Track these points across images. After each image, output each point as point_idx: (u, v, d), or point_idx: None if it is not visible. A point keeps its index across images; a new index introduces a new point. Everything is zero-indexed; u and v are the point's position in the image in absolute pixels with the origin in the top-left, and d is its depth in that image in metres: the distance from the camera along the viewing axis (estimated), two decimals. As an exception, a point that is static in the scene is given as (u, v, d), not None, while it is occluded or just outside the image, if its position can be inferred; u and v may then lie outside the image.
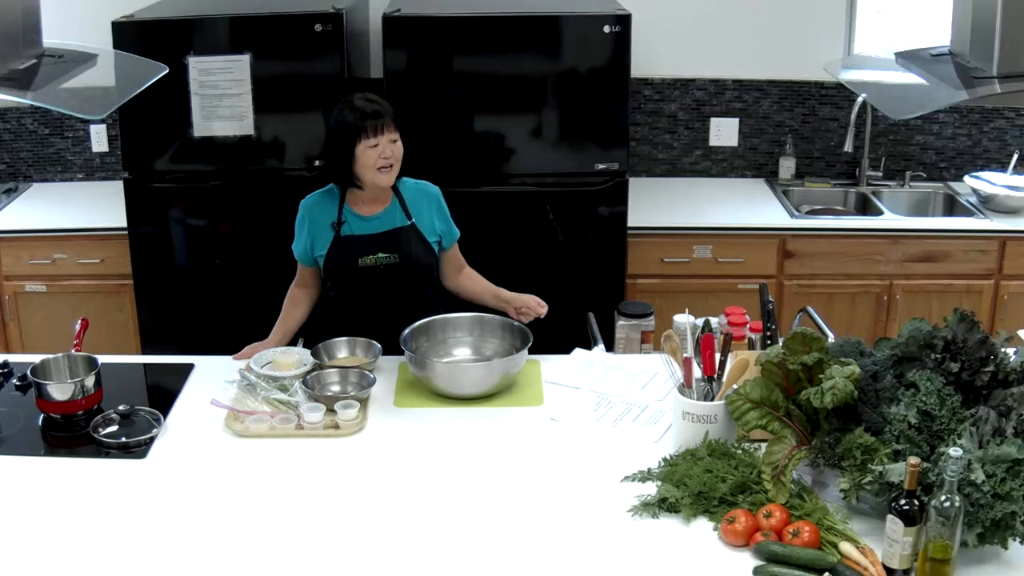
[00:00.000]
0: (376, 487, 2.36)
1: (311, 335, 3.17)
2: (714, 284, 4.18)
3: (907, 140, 4.64)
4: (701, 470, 2.27)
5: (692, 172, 4.71)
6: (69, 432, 2.63)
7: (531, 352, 2.82)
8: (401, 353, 2.81)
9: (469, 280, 3.18)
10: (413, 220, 3.01)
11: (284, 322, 3.08)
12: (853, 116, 4.38)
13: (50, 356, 2.77)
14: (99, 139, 4.60)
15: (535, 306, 3.01)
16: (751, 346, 2.89)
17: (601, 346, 3.05)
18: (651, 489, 2.30)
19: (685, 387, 2.43)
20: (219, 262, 4.01)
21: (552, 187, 3.95)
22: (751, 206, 4.36)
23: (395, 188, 3.02)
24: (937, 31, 2.80)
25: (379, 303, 3.02)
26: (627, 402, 2.72)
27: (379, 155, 2.88)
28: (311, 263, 3.06)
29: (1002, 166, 4.52)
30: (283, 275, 3.16)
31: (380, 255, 2.97)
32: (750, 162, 4.70)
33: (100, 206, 4.30)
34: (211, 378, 2.85)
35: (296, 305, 3.11)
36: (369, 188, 2.96)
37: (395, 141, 2.91)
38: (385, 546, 2.15)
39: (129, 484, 2.38)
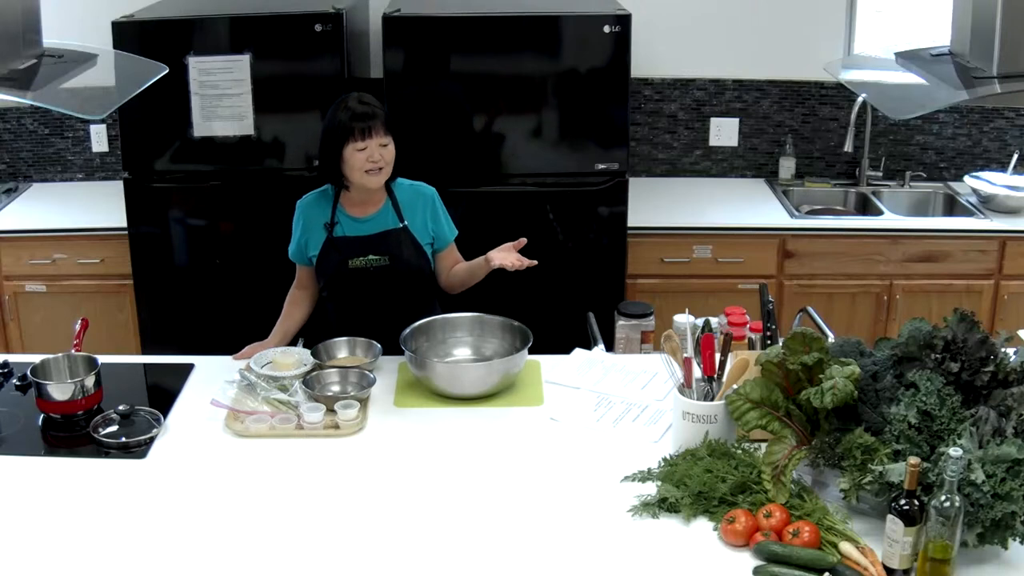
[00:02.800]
0: (376, 487, 2.36)
1: (310, 336, 3.17)
2: (714, 284, 4.18)
3: (907, 140, 4.64)
4: (701, 470, 2.27)
5: (692, 172, 4.71)
6: (69, 432, 2.63)
7: (531, 352, 2.82)
8: (401, 353, 2.81)
9: (454, 272, 3.10)
10: (405, 223, 3.00)
11: (284, 323, 3.08)
12: (853, 116, 4.38)
13: (50, 356, 2.77)
14: (99, 139, 4.61)
15: (502, 256, 2.87)
16: (751, 346, 2.89)
17: (601, 346, 3.04)
18: (651, 489, 2.30)
19: (685, 387, 2.43)
20: (219, 262, 4.01)
21: (552, 187, 3.95)
22: (751, 206, 4.36)
23: (389, 190, 3.01)
24: (937, 31, 2.80)
25: (371, 305, 3.01)
26: (627, 402, 2.72)
27: (367, 158, 2.85)
28: (306, 262, 3.06)
29: (1002, 166, 4.52)
30: (283, 275, 3.16)
31: (371, 257, 2.97)
32: (750, 162, 4.70)
33: (100, 206, 4.30)
34: (211, 378, 2.85)
35: (296, 306, 3.11)
36: (357, 190, 2.95)
37: (385, 145, 2.88)
38: (385, 546, 2.15)
39: (129, 484, 2.38)
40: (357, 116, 2.85)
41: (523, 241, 2.92)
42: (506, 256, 2.88)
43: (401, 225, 3.00)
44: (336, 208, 2.99)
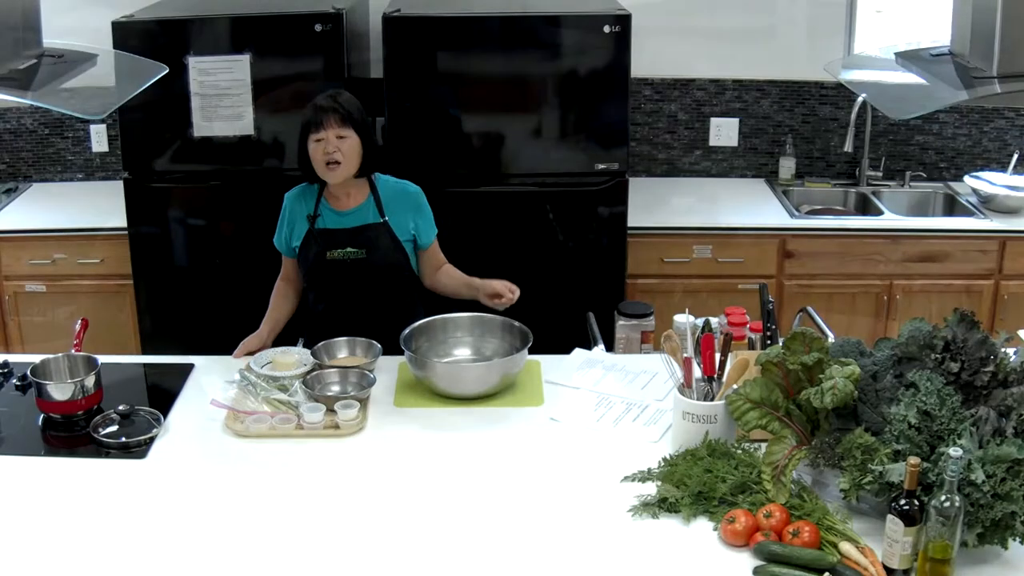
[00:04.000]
0: (376, 487, 2.36)
1: (292, 326, 3.17)
2: (714, 284, 4.18)
3: (907, 140, 4.64)
4: (701, 470, 2.27)
5: (692, 172, 4.71)
6: (69, 432, 2.63)
7: (531, 352, 2.82)
8: (400, 353, 2.81)
9: (446, 276, 3.15)
10: (386, 218, 3.02)
11: (273, 313, 3.11)
12: (853, 116, 4.38)
13: (50, 356, 2.77)
14: (99, 139, 4.61)
15: (505, 291, 2.98)
16: (751, 346, 2.89)
17: (601, 346, 3.04)
18: (651, 489, 2.30)
19: (685, 387, 2.43)
20: (219, 262, 4.01)
21: (552, 187, 3.95)
22: (751, 206, 4.36)
23: (372, 185, 3.04)
24: (937, 31, 2.80)
25: (349, 297, 3.04)
26: (627, 402, 2.72)
27: (323, 150, 2.88)
28: (291, 254, 3.09)
29: (1002, 166, 4.52)
30: (283, 275, 3.17)
31: (348, 250, 2.99)
32: (750, 162, 4.70)
33: (100, 206, 4.30)
34: (211, 378, 2.85)
35: (283, 298, 3.14)
36: (330, 185, 2.98)
37: (343, 137, 2.89)
38: (385, 546, 2.15)
39: (129, 484, 2.38)
40: (317, 108, 2.90)
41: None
42: (492, 301, 2.99)
43: (382, 220, 3.02)
44: (320, 201, 3.02)
